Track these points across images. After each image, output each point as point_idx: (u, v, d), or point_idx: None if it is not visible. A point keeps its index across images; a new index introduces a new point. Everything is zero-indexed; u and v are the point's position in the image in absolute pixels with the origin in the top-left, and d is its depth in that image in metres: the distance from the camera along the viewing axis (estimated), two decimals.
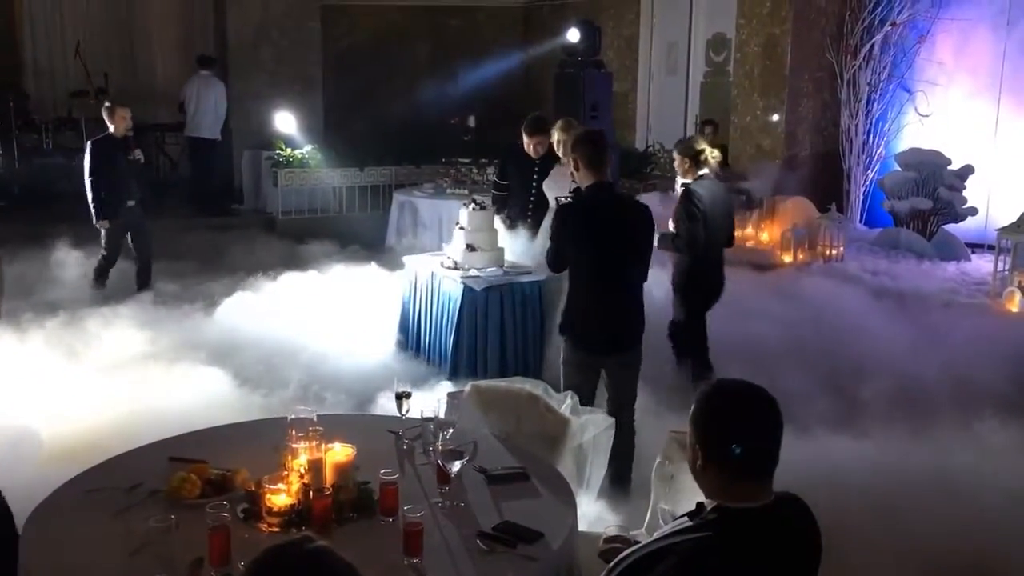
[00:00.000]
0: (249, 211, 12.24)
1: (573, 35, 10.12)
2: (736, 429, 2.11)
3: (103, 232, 8.01)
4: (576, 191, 4.91)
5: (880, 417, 5.25)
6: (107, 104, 8.06)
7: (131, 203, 7.99)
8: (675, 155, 6.07)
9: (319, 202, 11.89)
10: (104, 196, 7.84)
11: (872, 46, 10.95)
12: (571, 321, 4.50)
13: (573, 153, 4.41)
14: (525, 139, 6.65)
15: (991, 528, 4.04)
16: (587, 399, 4.41)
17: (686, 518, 2.19)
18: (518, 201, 6.85)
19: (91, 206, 7.90)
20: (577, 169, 4.40)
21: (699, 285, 5.83)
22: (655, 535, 2.26)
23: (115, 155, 7.86)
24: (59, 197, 11.63)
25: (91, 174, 7.89)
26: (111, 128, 7.88)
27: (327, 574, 1.57)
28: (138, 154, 8.03)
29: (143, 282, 8.21)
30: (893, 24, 10.79)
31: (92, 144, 8.01)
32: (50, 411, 4.90)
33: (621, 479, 4.43)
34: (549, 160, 6.54)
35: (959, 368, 6.06)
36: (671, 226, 5.78)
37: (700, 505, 2.17)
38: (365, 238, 10.19)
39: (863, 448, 4.80)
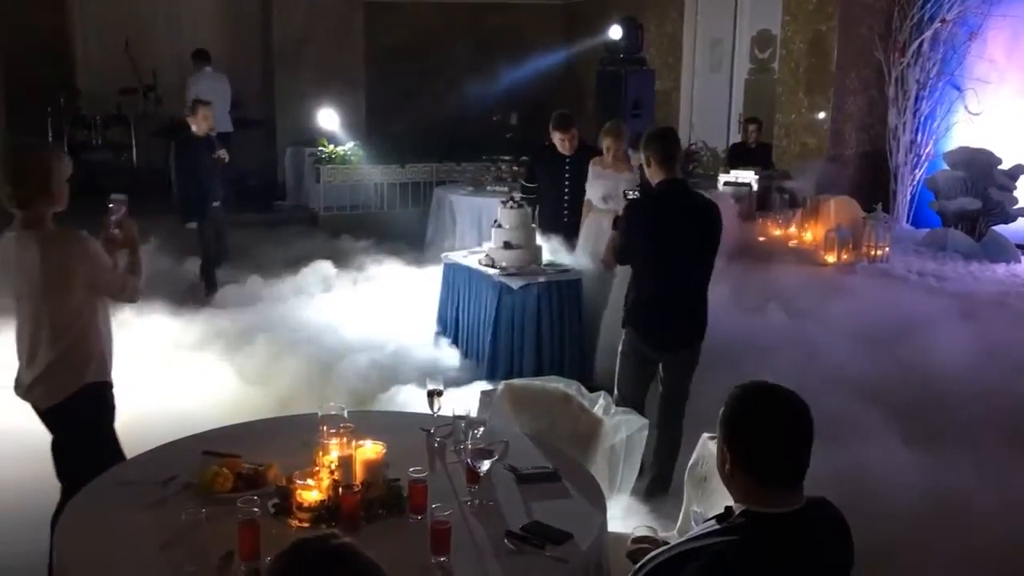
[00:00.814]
0: (292, 207, 12.35)
1: (615, 32, 10.08)
2: (763, 433, 2.08)
3: (197, 234, 7.92)
4: (642, 186, 4.88)
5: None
6: (190, 103, 8.00)
7: (216, 203, 7.92)
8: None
9: (360, 198, 11.97)
10: (191, 195, 7.77)
11: (921, 43, 10.75)
12: (636, 314, 4.51)
13: (645, 151, 4.42)
14: (557, 135, 6.63)
15: None
16: (640, 394, 4.47)
17: (714, 521, 2.17)
18: (549, 203, 6.83)
19: (180, 206, 7.88)
20: (648, 166, 4.41)
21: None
22: (683, 537, 2.24)
23: (199, 154, 7.76)
24: (108, 192, 11.83)
25: (177, 174, 7.84)
26: (193, 127, 7.78)
27: (350, 570, 1.57)
28: (222, 154, 7.90)
29: (211, 284, 8.08)
30: (943, 21, 10.58)
31: (176, 144, 7.98)
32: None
33: (663, 478, 4.41)
34: (581, 157, 6.51)
35: None
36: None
37: (729, 509, 2.15)
38: (406, 235, 10.24)
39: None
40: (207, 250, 8.06)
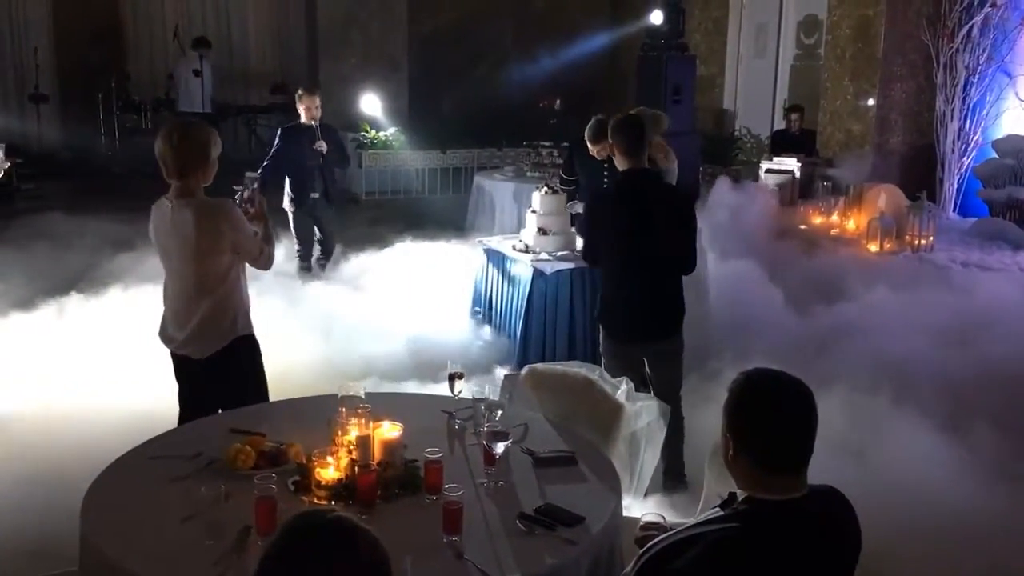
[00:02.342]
0: (334, 191, 12.46)
1: (656, 17, 10.02)
2: (768, 420, 2.09)
3: (292, 221, 7.82)
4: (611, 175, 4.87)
5: None
6: (298, 92, 7.81)
7: (315, 195, 7.72)
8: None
9: (402, 183, 12.08)
10: (289, 183, 7.70)
11: (971, 28, 10.49)
12: (604, 311, 4.50)
13: (611, 139, 4.38)
14: (589, 146, 6.47)
15: None
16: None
17: (718, 508, 2.19)
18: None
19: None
20: (614, 155, 4.38)
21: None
22: (686, 523, 2.26)
23: (301, 143, 7.61)
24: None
25: (269, 158, 7.67)
26: (301, 116, 7.66)
27: (349, 543, 1.61)
28: (320, 145, 7.59)
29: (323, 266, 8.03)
30: (994, 5, 10.31)
31: (281, 130, 7.90)
32: None
33: (676, 473, 4.40)
34: None
35: None
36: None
37: (732, 495, 2.17)
38: (446, 219, 10.30)
39: None
40: (301, 242, 7.92)
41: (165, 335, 3.89)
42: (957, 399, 5.15)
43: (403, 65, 13.53)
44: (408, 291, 7.38)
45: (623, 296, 4.37)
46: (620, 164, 4.37)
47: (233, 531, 2.49)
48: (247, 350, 3.90)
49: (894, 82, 11.04)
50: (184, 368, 3.88)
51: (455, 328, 6.77)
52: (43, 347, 5.95)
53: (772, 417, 2.08)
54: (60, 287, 7.01)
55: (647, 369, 4.52)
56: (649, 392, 4.30)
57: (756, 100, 13.06)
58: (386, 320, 6.73)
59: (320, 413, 3.51)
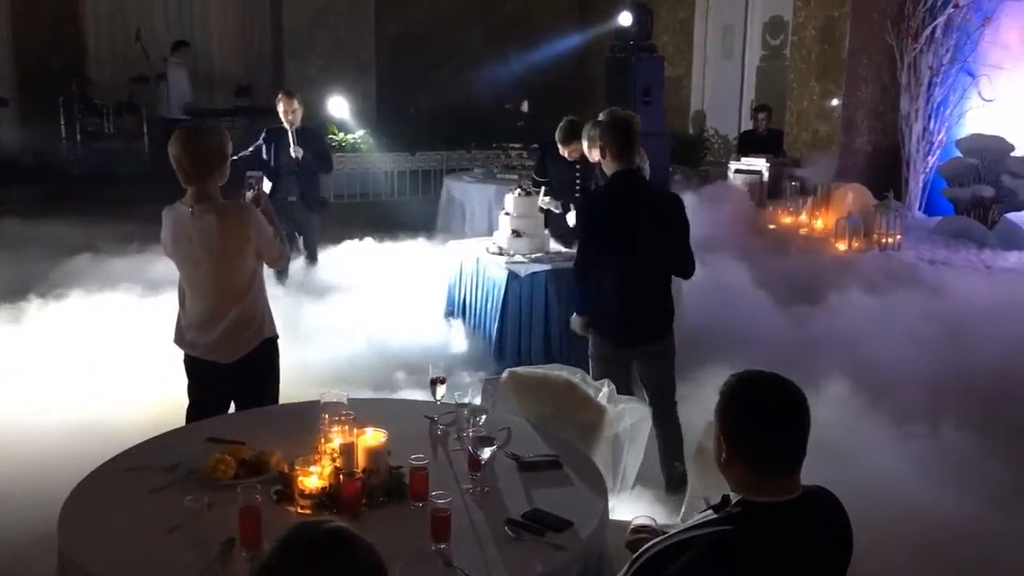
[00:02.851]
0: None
1: (625, 19, 10.04)
2: (761, 422, 2.08)
3: None
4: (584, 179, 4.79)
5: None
6: (278, 95, 7.69)
7: (292, 198, 7.59)
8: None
9: (371, 186, 11.99)
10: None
11: (934, 29, 10.64)
12: (598, 314, 4.42)
13: (602, 140, 4.32)
14: (560, 147, 6.49)
15: None
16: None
17: (711, 511, 2.17)
18: (562, 200, 6.78)
19: None
20: (604, 156, 4.30)
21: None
22: (679, 527, 2.24)
23: (280, 146, 7.52)
24: (120, 181, 11.92)
25: (245, 154, 7.41)
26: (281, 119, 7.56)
27: (347, 553, 1.58)
28: (294, 150, 7.49)
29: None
30: (956, 6, 10.47)
31: (265, 130, 7.77)
32: None
33: (680, 478, 4.26)
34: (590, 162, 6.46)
35: None
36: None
37: (726, 498, 2.15)
38: (416, 222, 10.24)
39: None
40: None
41: (185, 342, 3.82)
42: (932, 398, 5.19)
43: (371, 67, 13.46)
44: (381, 295, 7.33)
45: (619, 298, 4.30)
46: (611, 166, 4.31)
47: (217, 543, 2.44)
48: (273, 352, 3.89)
49: (859, 83, 11.16)
50: (206, 372, 3.79)
51: (429, 332, 6.72)
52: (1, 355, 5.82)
53: (766, 419, 2.07)
54: (17, 292, 6.88)
55: (638, 372, 4.48)
56: (643, 396, 4.30)
57: (723, 101, 13.15)
58: (359, 324, 6.67)
59: (298, 420, 3.46)
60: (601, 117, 6.35)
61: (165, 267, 7.76)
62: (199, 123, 3.89)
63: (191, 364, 3.83)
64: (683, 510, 3.48)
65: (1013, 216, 9.90)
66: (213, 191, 3.69)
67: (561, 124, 6.53)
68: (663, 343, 4.42)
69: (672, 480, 4.22)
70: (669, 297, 4.39)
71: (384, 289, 7.46)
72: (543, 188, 6.61)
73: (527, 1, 15.19)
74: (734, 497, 2.12)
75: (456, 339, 6.61)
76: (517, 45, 14.26)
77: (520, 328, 6.17)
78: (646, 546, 2.22)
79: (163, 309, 6.46)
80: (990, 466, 4.56)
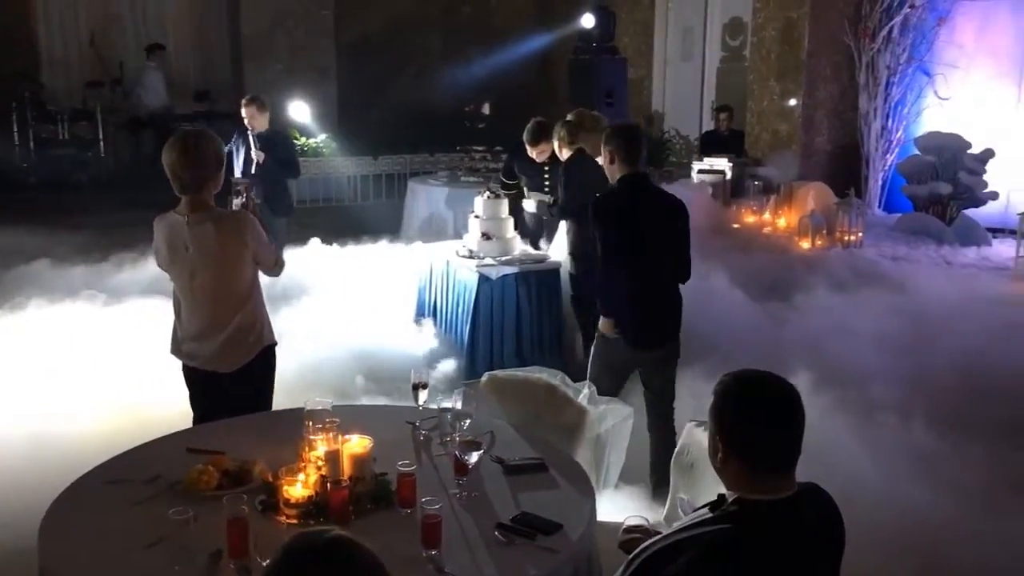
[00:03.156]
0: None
1: (587, 21, 10.09)
2: (757, 421, 2.08)
3: None
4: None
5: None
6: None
7: (258, 201, 7.54)
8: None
9: (334, 191, 11.91)
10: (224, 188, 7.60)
11: (891, 29, 10.83)
12: (613, 317, 4.33)
13: (607, 146, 4.30)
14: (528, 148, 6.51)
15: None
16: (614, 395, 4.32)
17: (707, 510, 2.17)
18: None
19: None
20: (612, 162, 4.29)
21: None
22: (675, 526, 2.24)
23: (244, 149, 7.54)
24: (75, 188, 11.72)
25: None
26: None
27: (350, 561, 1.57)
28: (255, 155, 7.47)
29: None
30: (912, 6, 10.67)
31: (235, 133, 7.78)
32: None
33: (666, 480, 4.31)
34: (558, 161, 6.47)
35: None
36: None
37: (721, 497, 2.15)
38: (381, 226, 10.17)
39: None
40: None
41: (183, 352, 3.74)
42: (903, 395, 5.25)
43: (331, 71, 13.37)
44: (348, 299, 7.26)
45: (636, 301, 4.28)
46: (619, 170, 4.29)
47: (203, 555, 2.39)
48: (272, 359, 3.85)
49: (819, 82, 11.31)
50: (206, 382, 3.72)
51: (399, 336, 6.67)
52: None
53: (761, 418, 2.07)
54: None
55: (643, 376, 4.45)
56: (643, 400, 4.32)
57: (684, 102, 13.24)
58: (327, 330, 6.60)
59: (276, 428, 3.43)
60: (570, 117, 6.42)
61: (129, 276, 7.76)
62: (193, 128, 3.79)
63: (192, 375, 3.76)
64: (666, 510, 3.48)
65: (970, 212, 10.11)
66: (209, 199, 3.62)
67: (529, 126, 6.54)
68: (673, 347, 4.42)
69: (661, 483, 4.22)
70: (680, 301, 4.40)
71: (351, 294, 7.40)
72: (511, 195, 6.64)
73: (486, 4, 15.19)
74: (730, 496, 2.12)
75: (427, 343, 6.57)
76: (478, 48, 14.26)
77: (492, 331, 6.16)
78: (642, 546, 2.21)
79: (129, 318, 6.44)
80: (958, 463, 4.61)
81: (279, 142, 7.87)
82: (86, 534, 2.58)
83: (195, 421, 3.77)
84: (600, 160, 6.21)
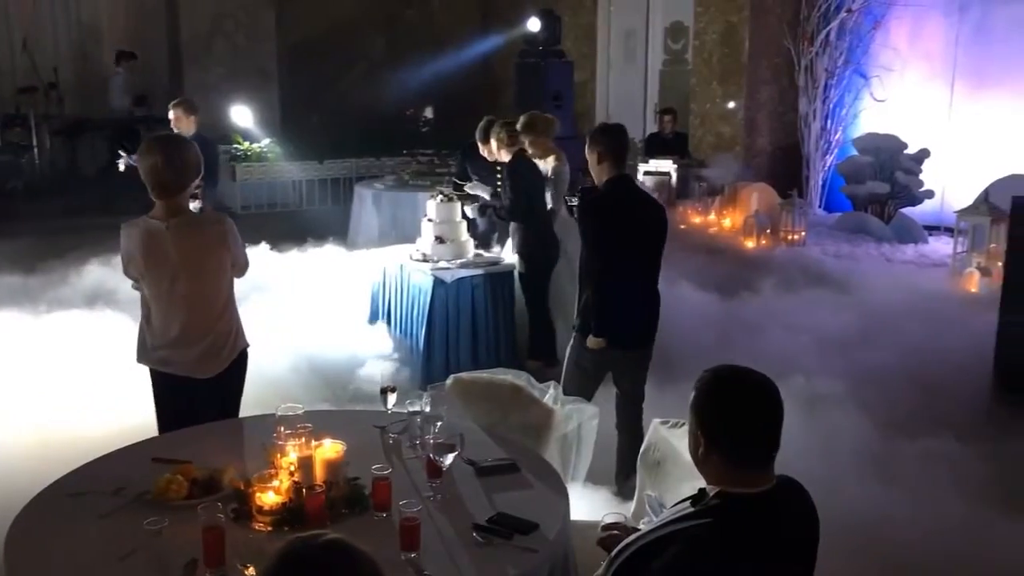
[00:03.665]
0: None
1: (534, 24, 10.13)
2: (736, 415, 2.11)
3: None
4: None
5: None
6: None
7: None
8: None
9: (279, 196, 11.78)
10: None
11: (828, 33, 11.08)
12: (599, 318, 4.30)
13: (594, 146, 4.28)
14: (480, 147, 6.54)
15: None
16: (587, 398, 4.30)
17: (688, 504, 2.19)
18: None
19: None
20: (599, 163, 4.27)
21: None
22: (657, 522, 2.26)
23: None
24: (9, 194, 11.40)
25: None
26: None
27: (349, 562, 1.57)
28: None
29: None
30: (849, 11, 10.93)
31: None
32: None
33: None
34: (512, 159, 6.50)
35: None
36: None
37: (702, 491, 2.17)
38: (328, 231, 10.07)
39: None
40: None
41: (156, 359, 3.64)
42: (848, 389, 5.36)
43: (273, 75, 13.22)
44: (299, 305, 7.16)
45: (624, 300, 4.28)
46: (605, 172, 4.27)
47: (178, 565, 2.34)
48: (244, 363, 3.81)
49: (760, 85, 11.51)
50: (180, 388, 3.63)
51: (353, 342, 6.61)
52: None
53: (743, 413, 2.11)
54: None
55: (616, 377, 4.47)
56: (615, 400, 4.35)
57: (628, 104, 13.34)
58: (279, 336, 6.50)
59: (240, 436, 3.39)
60: (522, 118, 6.45)
61: (72, 288, 7.55)
62: (170, 134, 3.74)
63: (164, 381, 3.66)
64: (633, 507, 3.51)
65: (907, 211, 10.37)
66: (185, 204, 3.59)
67: (481, 124, 6.57)
68: (649, 349, 4.45)
69: (628, 481, 4.24)
70: (659, 300, 4.43)
71: (301, 299, 7.30)
72: (464, 196, 6.63)
73: (429, 8, 15.16)
74: (711, 490, 2.15)
75: (381, 348, 6.52)
76: (421, 51, 14.21)
77: (448, 334, 6.14)
78: (624, 543, 2.23)
79: (69, 327, 6.30)
80: (902, 459, 4.69)
81: (201, 147, 7.75)
82: (55, 549, 2.51)
83: (161, 428, 3.68)
84: (544, 162, 6.37)
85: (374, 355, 6.29)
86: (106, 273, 7.72)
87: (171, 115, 7.44)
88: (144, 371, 3.77)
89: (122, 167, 7.57)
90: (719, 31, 11.55)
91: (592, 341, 4.28)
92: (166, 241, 3.53)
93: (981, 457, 4.67)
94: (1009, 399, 5.57)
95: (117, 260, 7.62)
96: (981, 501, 4.21)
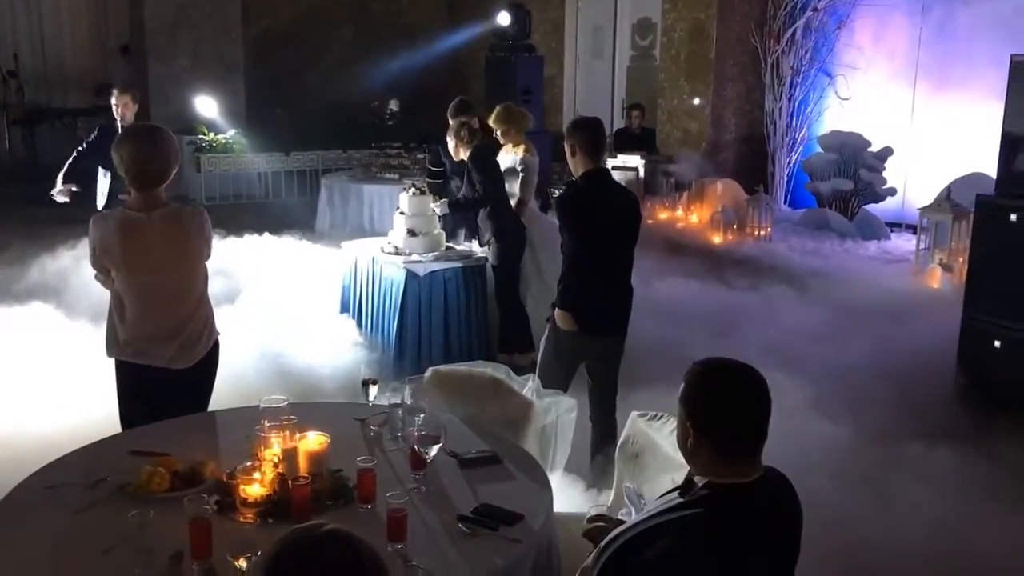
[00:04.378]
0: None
1: (503, 18, 10.11)
2: (726, 406, 2.14)
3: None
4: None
5: None
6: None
7: (123, 196, 7.35)
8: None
9: (244, 188, 11.67)
10: (97, 185, 7.31)
11: (794, 31, 11.20)
12: (576, 304, 4.35)
13: (568, 140, 4.31)
14: (451, 122, 6.62)
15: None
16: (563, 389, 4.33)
17: (676, 495, 2.21)
18: (456, 187, 6.83)
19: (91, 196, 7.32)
20: (574, 155, 4.30)
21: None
22: (645, 513, 2.27)
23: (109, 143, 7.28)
24: None
25: (76, 151, 7.25)
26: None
27: (350, 551, 1.59)
28: None
29: None
30: (815, 10, 11.05)
31: (99, 127, 7.51)
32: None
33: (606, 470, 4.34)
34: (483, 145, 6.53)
35: None
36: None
37: (690, 482, 2.20)
38: (294, 223, 10.01)
39: None
40: None
41: (131, 351, 3.57)
42: (814, 384, 5.42)
43: (238, 66, 13.07)
44: (265, 299, 7.09)
45: (600, 289, 4.31)
46: (581, 164, 4.30)
47: (163, 558, 2.32)
48: (217, 353, 3.80)
49: (726, 82, 11.61)
50: (154, 379, 3.57)
51: (324, 335, 6.56)
52: None
53: (732, 404, 2.13)
54: None
55: (589, 369, 4.49)
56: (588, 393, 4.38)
57: (596, 99, 13.40)
58: (248, 331, 6.45)
59: (214, 429, 3.37)
60: (498, 109, 6.51)
61: (30, 281, 7.41)
62: (149, 124, 3.69)
63: (135, 372, 3.59)
64: (611, 499, 3.53)
65: (871, 208, 10.52)
66: (161, 195, 3.55)
67: (453, 103, 6.67)
68: (623, 339, 4.49)
69: (603, 474, 4.27)
70: (632, 292, 4.46)
71: (269, 292, 7.23)
72: (438, 184, 6.68)
73: (397, 1, 15.08)
74: (699, 480, 2.17)
75: (351, 341, 6.48)
76: (388, 44, 14.14)
77: (420, 328, 6.13)
78: (613, 534, 2.24)
79: (27, 319, 6.21)
80: (864, 455, 4.74)
81: None
82: (36, 542, 2.47)
83: (127, 422, 3.62)
84: (516, 152, 6.41)
85: (343, 348, 6.25)
86: (67, 264, 7.62)
87: (117, 101, 7.27)
88: (102, 365, 3.72)
89: (60, 199, 7.19)
90: (687, 28, 11.63)
91: (560, 316, 4.33)
92: (147, 233, 3.48)
93: (946, 452, 4.73)
94: (973, 393, 5.68)
95: (76, 251, 7.54)
96: (945, 497, 4.26)
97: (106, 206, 7.32)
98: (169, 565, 2.30)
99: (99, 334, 4.07)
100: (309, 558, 1.54)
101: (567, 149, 4.33)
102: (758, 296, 7.12)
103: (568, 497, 3.73)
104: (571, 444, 3.78)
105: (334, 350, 6.20)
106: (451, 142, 6.28)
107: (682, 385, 2.20)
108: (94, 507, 2.62)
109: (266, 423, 2.76)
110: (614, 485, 3.58)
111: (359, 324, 6.60)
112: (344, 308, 6.79)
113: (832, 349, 6.13)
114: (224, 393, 4.12)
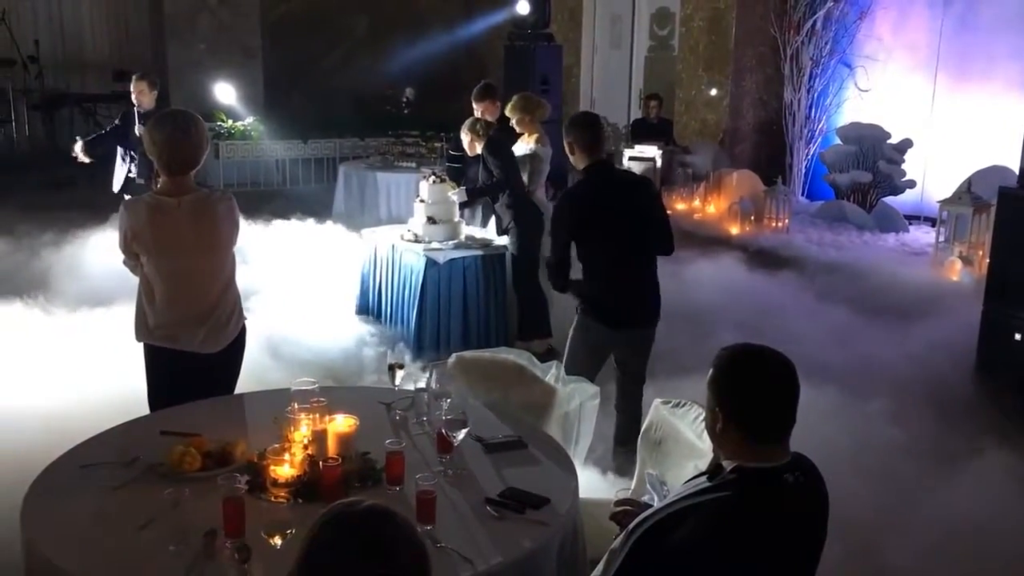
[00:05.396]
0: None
1: (523, 7, 10.11)
2: (755, 391, 2.16)
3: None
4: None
5: None
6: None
7: (140, 181, 7.41)
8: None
9: (262, 175, 11.71)
10: (120, 170, 7.56)
11: (814, 22, 11.14)
12: (597, 300, 4.36)
13: (568, 137, 4.32)
14: (474, 105, 6.73)
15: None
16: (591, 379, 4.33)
17: (704, 479, 2.23)
18: (475, 173, 6.85)
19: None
20: (572, 152, 4.32)
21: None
22: (672, 496, 2.30)
23: (132, 129, 7.41)
24: None
25: (103, 130, 7.57)
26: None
27: (395, 525, 1.61)
28: (138, 130, 7.23)
29: None
30: (835, 0, 10.99)
31: (123, 112, 7.77)
32: None
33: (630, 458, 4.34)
34: (503, 131, 6.56)
35: None
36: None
37: (718, 466, 2.22)
38: (311, 211, 10.04)
39: None
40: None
41: (162, 335, 3.59)
42: (841, 375, 5.43)
43: (257, 52, 13.10)
44: (287, 286, 7.14)
45: (617, 283, 4.31)
46: (581, 160, 4.31)
47: (198, 535, 2.36)
48: (244, 338, 3.84)
49: (745, 73, 11.57)
50: (187, 364, 3.60)
51: (342, 321, 6.62)
52: None
53: (762, 389, 2.15)
54: None
55: (618, 361, 4.51)
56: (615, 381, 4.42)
57: (613, 90, 13.38)
58: (265, 318, 6.49)
59: (243, 410, 3.42)
60: (518, 98, 6.53)
61: (45, 265, 7.47)
62: (181, 110, 3.70)
63: (165, 356, 3.62)
64: (633, 485, 3.55)
65: (889, 200, 10.49)
66: (192, 181, 3.57)
67: (477, 87, 6.86)
68: (652, 330, 4.48)
69: (627, 461, 4.29)
70: (656, 277, 4.46)
71: (290, 280, 7.28)
72: (457, 168, 6.74)
73: None
74: (728, 464, 2.19)
75: (370, 329, 6.53)
76: (404, 31, 14.14)
77: (439, 315, 6.16)
78: (642, 516, 2.27)
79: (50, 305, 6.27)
80: (886, 446, 4.73)
81: None
82: (73, 518, 2.52)
83: (155, 404, 3.67)
84: (528, 141, 6.43)
85: (363, 336, 6.30)
86: (85, 249, 7.68)
87: (134, 88, 7.44)
88: (132, 348, 3.76)
89: (81, 157, 7.62)
90: (705, 18, 11.60)
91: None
92: (179, 218, 3.51)
93: (966, 446, 4.74)
94: (993, 386, 5.67)
95: (96, 237, 7.61)
96: (966, 491, 4.25)
97: (122, 190, 7.43)
98: (204, 542, 2.34)
99: (119, 318, 4.12)
100: (348, 530, 1.57)
101: (566, 147, 4.35)
102: (775, 285, 7.12)
103: (591, 483, 3.76)
104: (593, 431, 3.81)
105: (351, 336, 6.25)
106: (465, 138, 6.30)
107: (711, 370, 2.23)
108: (128, 485, 2.66)
109: (296, 405, 2.80)
110: (636, 471, 3.60)
111: (378, 312, 6.64)
112: (363, 295, 6.82)
113: (851, 341, 6.13)
114: (241, 378, 4.18)
